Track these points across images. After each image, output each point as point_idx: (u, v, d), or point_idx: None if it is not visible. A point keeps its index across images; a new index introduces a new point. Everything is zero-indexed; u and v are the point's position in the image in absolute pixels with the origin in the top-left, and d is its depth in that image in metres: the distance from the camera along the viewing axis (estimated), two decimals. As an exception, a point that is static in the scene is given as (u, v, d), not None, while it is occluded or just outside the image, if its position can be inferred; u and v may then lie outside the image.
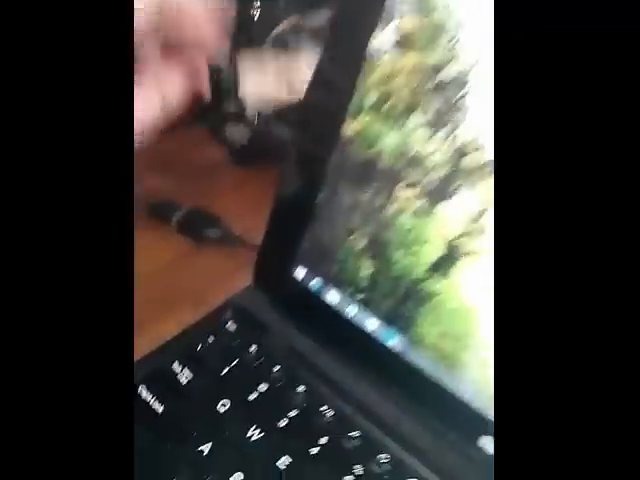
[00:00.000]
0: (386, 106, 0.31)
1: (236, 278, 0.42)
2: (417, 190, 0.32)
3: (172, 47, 0.29)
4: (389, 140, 0.32)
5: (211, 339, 0.37)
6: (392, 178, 0.32)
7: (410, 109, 0.31)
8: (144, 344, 0.37)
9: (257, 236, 0.40)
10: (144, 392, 0.34)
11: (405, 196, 0.32)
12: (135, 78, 0.28)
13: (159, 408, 0.33)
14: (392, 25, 0.30)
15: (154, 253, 0.44)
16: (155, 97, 0.29)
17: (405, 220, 0.32)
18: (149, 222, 0.47)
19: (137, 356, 0.36)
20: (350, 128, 0.33)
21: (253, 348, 0.37)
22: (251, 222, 0.42)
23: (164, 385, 0.34)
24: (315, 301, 0.37)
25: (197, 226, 0.47)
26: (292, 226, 0.37)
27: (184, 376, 0.35)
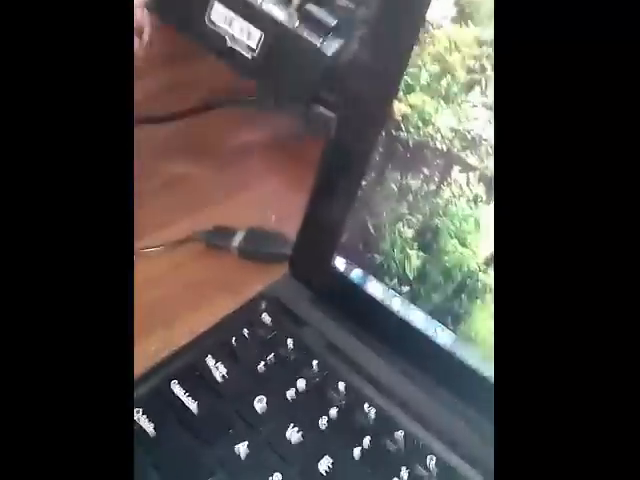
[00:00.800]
0: (442, 83, 0.29)
1: (272, 267, 0.40)
2: (474, 175, 0.29)
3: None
4: (444, 120, 0.29)
5: (246, 332, 0.35)
6: (446, 161, 0.30)
7: (468, 87, 0.29)
8: (177, 336, 0.35)
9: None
10: (177, 388, 0.32)
11: (460, 181, 0.29)
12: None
13: (192, 405, 0.31)
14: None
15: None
16: None
17: (460, 208, 0.30)
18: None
19: (170, 349, 0.34)
20: (401, 106, 0.31)
21: (289, 342, 0.35)
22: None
23: (197, 381, 0.32)
24: (356, 293, 0.35)
25: (259, 246, 0.42)
26: (332, 212, 0.35)
27: (218, 371, 0.33)
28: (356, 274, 0.35)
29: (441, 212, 0.30)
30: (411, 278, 0.32)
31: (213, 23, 0.34)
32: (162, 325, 0.36)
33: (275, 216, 0.44)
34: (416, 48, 0.29)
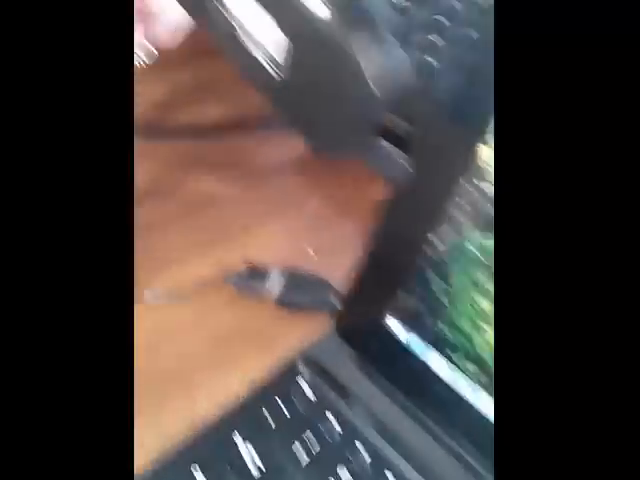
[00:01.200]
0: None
1: (311, 318, 0.35)
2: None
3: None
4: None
5: (279, 402, 0.30)
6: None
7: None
8: (199, 407, 0.30)
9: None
10: (198, 473, 0.27)
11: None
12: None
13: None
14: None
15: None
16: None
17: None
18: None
19: (191, 425, 0.29)
20: (489, 151, 0.25)
21: (331, 418, 0.29)
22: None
23: (223, 464, 0.27)
24: (413, 364, 0.29)
25: (298, 293, 0.35)
26: (392, 266, 0.29)
27: (246, 453, 0.28)
28: (414, 341, 0.30)
29: (529, 286, 0.25)
30: (482, 357, 0.27)
31: (224, 6, 0.21)
32: (181, 393, 0.31)
33: (314, 250, 0.39)
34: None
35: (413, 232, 0.28)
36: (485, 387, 0.27)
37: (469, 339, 0.27)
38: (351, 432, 0.29)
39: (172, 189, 0.42)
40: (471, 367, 0.28)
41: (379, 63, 0.21)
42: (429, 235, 0.27)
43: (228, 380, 0.32)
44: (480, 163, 0.25)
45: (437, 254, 0.28)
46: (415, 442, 0.29)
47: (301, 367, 0.31)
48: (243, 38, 0.21)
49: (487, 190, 0.25)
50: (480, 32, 0.34)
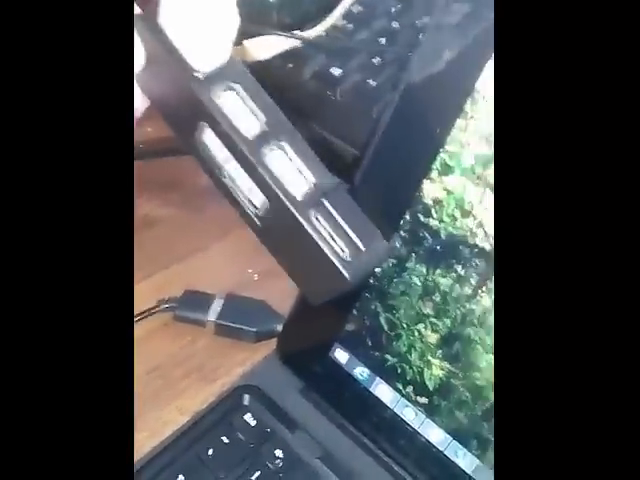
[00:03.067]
0: (490, 169, 0.24)
1: (254, 345, 0.34)
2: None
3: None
4: (490, 214, 0.24)
5: (225, 440, 0.29)
6: (488, 263, 0.24)
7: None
8: (136, 443, 0.29)
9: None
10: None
11: (504, 289, 0.24)
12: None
13: None
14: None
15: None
16: None
17: (500, 319, 0.25)
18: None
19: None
20: (433, 188, 0.25)
21: (278, 452, 0.29)
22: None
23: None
24: (360, 394, 0.29)
25: (240, 320, 0.34)
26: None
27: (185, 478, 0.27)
28: (361, 372, 0.29)
29: (476, 321, 0.25)
30: (431, 389, 0.27)
31: (206, 147, 0.21)
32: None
33: (258, 274, 0.38)
34: (460, 122, 0.24)
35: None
36: (435, 419, 0.28)
37: (420, 372, 0.27)
38: (294, 460, 0.29)
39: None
40: (421, 399, 0.28)
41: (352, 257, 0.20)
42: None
43: (168, 414, 0.31)
44: (424, 199, 0.25)
45: (383, 286, 0.28)
46: (362, 470, 0.29)
47: (246, 399, 0.30)
48: (228, 183, 0.22)
49: (432, 225, 0.26)
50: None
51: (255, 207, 0.22)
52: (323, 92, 0.40)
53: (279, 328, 0.34)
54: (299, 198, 0.21)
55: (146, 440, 0.29)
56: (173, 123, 0.24)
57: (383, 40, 0.43)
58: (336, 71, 0.40)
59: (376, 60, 0.41)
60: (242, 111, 0.21)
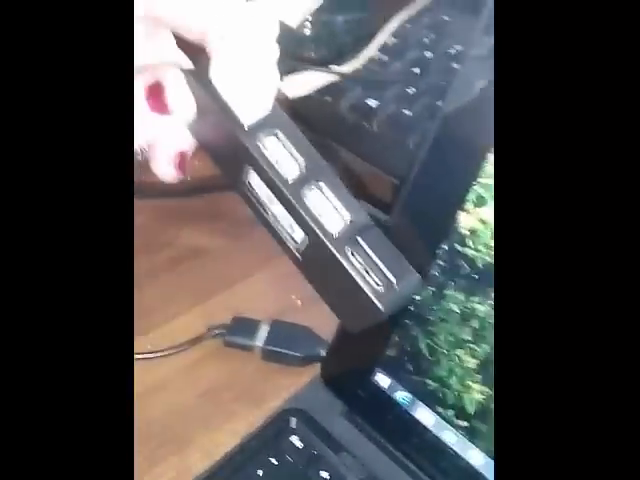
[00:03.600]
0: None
1: (300, 373, 0.35)
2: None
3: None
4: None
5: (273, 461, 0.30)
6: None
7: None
8: (192, 462, 0.31)
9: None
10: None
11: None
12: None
13: None
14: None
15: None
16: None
17: (537, 345, 0.25)
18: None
19: (185, 475, 0.29)
20: (469, 219, 0.26)
21: (324, 474, 0.30)
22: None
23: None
24: (401, 417, 0.30)
25: (286, 345, 0.35)
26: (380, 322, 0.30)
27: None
28: (402, 396, 0.30)
29: (513, 347, 0.26)
30: (470, 413, 0.28)
31: (251, 187, 0.24)
32: (174, 448, 0.31)
33: (301, 300, 0.39)
34: (492, 157, 0.25)
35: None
36: (475, 443, 0.28)
37: (460, 397, 0.28)
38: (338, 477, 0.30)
39: (159, 243, 0.42)
40: (462, 423, 0.29)
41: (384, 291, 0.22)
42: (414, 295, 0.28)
43: (220, 435, 0.32)
44: (461, 229, 0.27)
45: (423, 313, 0.29)
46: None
47: (293, 422, 0.32)
48: (271, 220, 0.24)
49: (469, 254, 0.27)
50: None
51: (295, 242, 0.24)
52: (360, 123, 0.42)
53: (323, 353, 0.35)
54: (335, 235, 0.22)
55: (199, 461, 0.31)
56: (221, 165, 0.26)
57: (417, 70, 0.44)
58: (372, 102, 0.42)
59: (411, 90, 0.42)
60: (282, 155, 0.23)
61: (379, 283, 0.22)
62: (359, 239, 0.22)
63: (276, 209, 0.24)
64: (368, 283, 0.22)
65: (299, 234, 0.23)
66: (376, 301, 0.22)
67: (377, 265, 0.22)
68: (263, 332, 0.36)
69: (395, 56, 0.46)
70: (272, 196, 0.23)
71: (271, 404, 0.34)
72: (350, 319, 0.24)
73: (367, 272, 0.22)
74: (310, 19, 0.52)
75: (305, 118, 0.43)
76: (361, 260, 0.22)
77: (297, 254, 0.24)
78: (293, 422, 0.32)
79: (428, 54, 0.46)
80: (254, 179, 0.24)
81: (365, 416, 0.32)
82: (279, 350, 0.35)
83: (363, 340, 0.32)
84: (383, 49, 0.46)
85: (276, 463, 0.30)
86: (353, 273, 0.22)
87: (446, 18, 0.49)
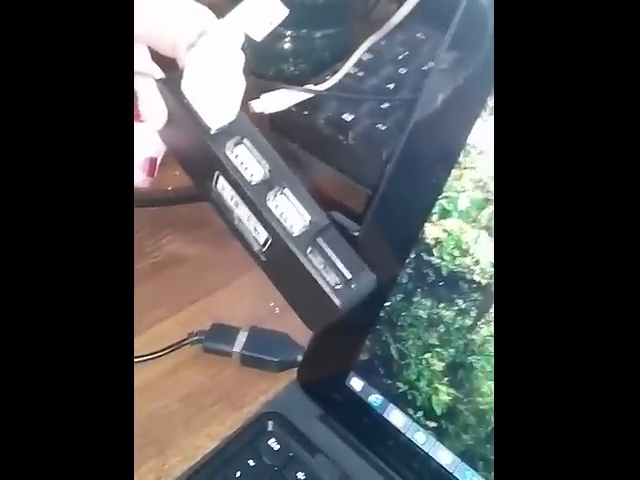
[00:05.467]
0: (483, 213, 0.26)
1: (277, 379, 0.36)
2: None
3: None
4: (485, 252, 0.26)
5: (251, 463, 0.31)
6: (486, 297, 0.27)
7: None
8: (171, 465, 0.32)
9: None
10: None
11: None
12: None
13: None
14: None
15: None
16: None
17: (499, 348, 0.27)
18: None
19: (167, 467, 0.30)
20: (434, 230, 0.28)
21: (300, 475, 0.31)
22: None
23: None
24: (374, 419, 0.31)
25: (263, 351, 0.36)
26: (352, 327, 0.32)
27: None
28: (375, 399, 0.32)
29: (476, 350, 0.27)
30: (439, 414, 0.29)
31: (219, 193, 0.25)
32: (155, 451, 0.32)
33: (279, 308, 0.41)
34: (455, 172, 0.26)
35: (370, 297, 0.30)
36: (444, 442, 0.30)
37: (428, 398, 0.30)
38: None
39: (141, 251, 0.43)
40: (431, 423, 0.30)
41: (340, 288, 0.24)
42: (385, 299, 0.30)
43: (199, 438, 0.33)
44: (427, 240, 0.28)
45: (392, 319, 0.30)
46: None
47: (270, 425, 0.33)
48: (238, 224, 0.26)
49: (434, 263, 0.28)
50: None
51: (259, 244, 0.25)
52: (336, 136, 0.44)
53: (299, 358, 0.36)
54: (296, 235, 0.24)
55: (179, 464, 0.32)
56: (191, 172, 0.27)
57: (391, 86, 0.46)
58: (348, 117, 0.43)
59: (385, 105, 0.44)
60: (248, 160, 0.24)
61: (337, 281, 0.23)
62: (318, 239, 0.24)
63: (242, 212, 0.25)
64: (326, 281, 0.23)
65: (263, 235, 0.25)
66: (334, 297, 0.23)
67: (335, 264, 0.23)
68: (241, 338, 0.37)
69: (370, 72, 0.47)
70: (238, 199, 0.25)
71: (249, 409, 0.35)
72: (310, 317, 0.26)
73: (325, 270, 0.23)
74: (289, 34, 0.54)
75: (283, 130, 0.45)
76: (320, 259, 0.23)
77: (261, 256, 0.25)
78: (270, 425, 0.33)
79: (402, 70, 0.48)
80: (221, 184, 0.25)
81: (340, 419, 0.33)
82: (257, 356, 0.36)
83: (337, 345, 0.33)
84: (359, 64, 0.48)
85: (254, 464, 0.31)
86: (312, 271, 0.23)
87: (420, 36, 0.51)
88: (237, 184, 0.24)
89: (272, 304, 0.41)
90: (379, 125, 0.43)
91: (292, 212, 0.24)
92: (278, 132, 0.46)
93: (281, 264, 0.25)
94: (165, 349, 0.36)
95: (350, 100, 0.44)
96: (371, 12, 0.64)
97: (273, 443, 0.32)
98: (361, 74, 0.47)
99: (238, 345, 0.37)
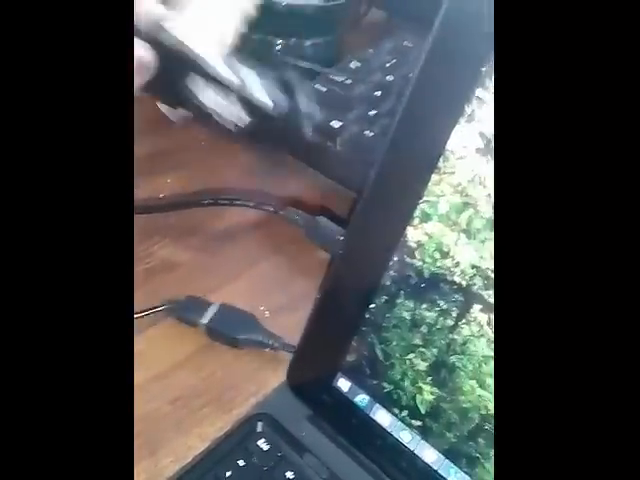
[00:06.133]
0: (462, 216, 0.27)
1: (267, 378, 0.37)
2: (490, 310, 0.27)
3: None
4: (465, 255, 0.27)
5: (241, 463, 0.32)
6: (466, 298, 0.27)
7: (492, 224, 0.27)
8: (163, 464, 0.32)
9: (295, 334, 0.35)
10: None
11: (481, 321, 0.27)
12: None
13: None
14: (474, 127, 0.26)
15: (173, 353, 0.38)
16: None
17: (480, 347, 0.27)
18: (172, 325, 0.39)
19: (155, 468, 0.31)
20: (416, 233, 0.29)
21: (289, 474, 0.32)
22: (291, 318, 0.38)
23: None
24: (361, 419, 0.32)
25: (230, 328, 0.39)
26: (338, 330, 0.32)
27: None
28: (361, 399, 0.32)
29: (458, 349, 0.28)
30: (423, 413, 0.30)
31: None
32: (147, 452, 0.33)
33: (269, 311, 0.41)
34: (435, 177, 0.27)
35: (354, 298, 0.31)
36: (428, 440, 0.30)
37: (412, 398, 0.30)
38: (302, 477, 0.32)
39: (134, 257, 0.44)
40: (416, 422, 0.31)
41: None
42: (369, 301, 0.31)
43: (189, 438, 0.34)
44: (409, 243, 0.29)
45: (377, 320, 0.31)
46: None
47: (260, 426, 0.34)
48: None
49: (417, 265, 0.29)
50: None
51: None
52: (325, 143, 0.44)
53: (262, 340, 0.38)
54: None
55: (171, 464, 0.33)
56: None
57: (379, 93, 0.47)
58: (336, 124, 0.44)
59: (372, 112, 0.45)
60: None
61: None
62: None
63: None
64: None
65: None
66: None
67: None
68: (211, 312, 0.39)
69: (358, 79, 0.48)
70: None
71: (239, 410, 0.35)
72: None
73: None
74: (279, 42, 0.55)
75: (272, 135, 0.46)
76: None
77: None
78: (260, 426, 0.34)
79: (389, 78, 0.49)
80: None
81: (328, 419, 0.34)
82: (221, 330, 0.38)
83: (325, 346, 0.34)
84: (347, 72, 0.49)
85: (244, 465, 0.32)
86: None
87: (407, 44, 0.52)
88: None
89: (262, 308, 0.42)
90: (367, 132, 0.44)
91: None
92: (264, 137, 0.47)
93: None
94: (141, 312, 0.38)
95: (338, 107, 0.45)
96: (361, 20, 0.65)
97: (263, 444, 0.33)
98: (349, 82, 0.48)
99: (206, 317, 0.38)
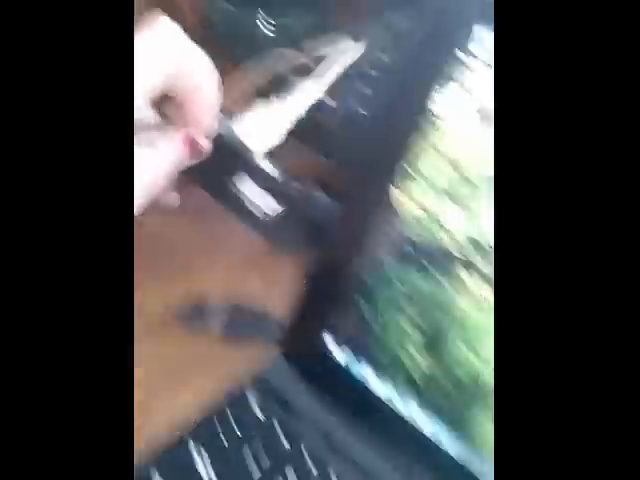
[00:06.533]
0: (450, 182, 0.28)
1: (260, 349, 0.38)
2: (481, 278, 0.29)
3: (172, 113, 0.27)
4: (452, 221, 0.29)
5: (231, 415, 0.33)
6: (461, 269, 0.29)
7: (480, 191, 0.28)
8: (158, 420, 0.33)
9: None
10: (157, 478, 0.30)
11: (473, 285, 0.28)
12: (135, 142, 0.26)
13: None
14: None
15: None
16: (155, 162, 0.27)
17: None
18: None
19: (149, 433, 0.32)
20: (399, 195, 0.30)
21: (276, 425, 0.33)
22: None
23: (179, 471, 0.31)
24: (356, 388, 0.33)
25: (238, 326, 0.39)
26: (326, 295, 0.34)
27: (202, 461, 0.31)
28: (357, 368, 0.33)
29: (453, 321, 0.29)
30: (418, 382, 0.31)
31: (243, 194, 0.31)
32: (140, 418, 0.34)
33: (257, 281, 0.42)
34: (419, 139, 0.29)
35: (341, 263, 0.32)
36: (421, 408, 0.32)
37: (399, 361, 0.32)
38: (298, 445, 0.32)
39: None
40: (410, 391, 0.32)
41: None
42: (355, 267, 0.32)
43: (184, 403, 0.34)
44: (393, 206, 0.30)
45: (364, 284, 0.32)
46: (356, 450, 0.33)
47: (251, 388, 0.35)
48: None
49: (411, 237, 0.30)
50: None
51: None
52: (321, 121, 0.45)
53: (276, 331, 0.38)
54: None
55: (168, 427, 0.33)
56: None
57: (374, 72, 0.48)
58: (332, 102, 0.45)
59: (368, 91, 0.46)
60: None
61: None
62: None
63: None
64: None
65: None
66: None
67: None
68: (219, 314, 0.39)
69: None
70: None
71: (234, 378, 0.36)
72: None
73: None
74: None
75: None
76: None
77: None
78: (254, 394, 0.34)
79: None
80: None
81: (323, 387, 0.35)
82: (234, 330, 0.39)
83: (317, 316, 0.35)
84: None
85: (239, 432, 0.32)
86: None
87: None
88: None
89: (250, 279, 0.43)
90: (362, 110, 0.45)
91: None
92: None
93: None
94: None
95: (335, 86, 0.46)
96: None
97: (257, 411, 0.34)
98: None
99: (217, 321, 0.38)
